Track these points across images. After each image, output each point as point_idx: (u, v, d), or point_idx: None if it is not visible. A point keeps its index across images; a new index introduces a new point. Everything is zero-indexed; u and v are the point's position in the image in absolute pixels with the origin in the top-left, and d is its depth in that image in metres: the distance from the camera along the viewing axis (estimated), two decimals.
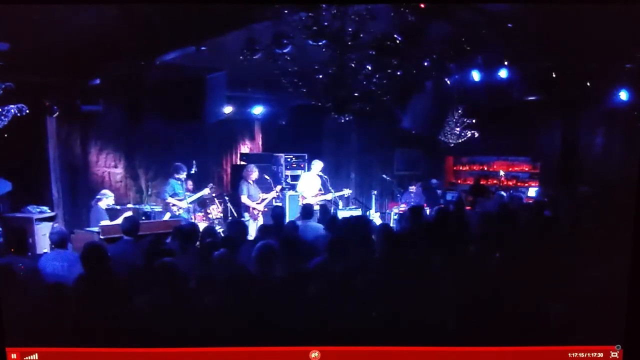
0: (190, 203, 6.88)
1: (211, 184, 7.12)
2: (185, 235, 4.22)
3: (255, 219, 6.95)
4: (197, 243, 4.30)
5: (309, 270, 3.51)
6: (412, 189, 7.93)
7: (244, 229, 4.77)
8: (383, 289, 3.33)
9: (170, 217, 6.56)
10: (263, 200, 7.06)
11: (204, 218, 7.18)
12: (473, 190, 8.13)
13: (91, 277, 3.33)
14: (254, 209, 6.97)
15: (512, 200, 6.42)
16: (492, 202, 6.52)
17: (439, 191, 8.33)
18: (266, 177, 7.37)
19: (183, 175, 6.78)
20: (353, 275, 3.40)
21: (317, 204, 6.84)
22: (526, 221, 5.05)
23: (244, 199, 6.97)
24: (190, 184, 7.15)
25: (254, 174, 7.07)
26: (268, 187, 7.33)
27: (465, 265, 3.61)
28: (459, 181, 9.95)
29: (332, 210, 7.31)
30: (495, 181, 9.31)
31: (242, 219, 6.92)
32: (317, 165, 7.33)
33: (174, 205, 6.69)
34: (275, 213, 5.20)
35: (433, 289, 3.28)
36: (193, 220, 6.82)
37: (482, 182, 8.96)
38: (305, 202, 7.18)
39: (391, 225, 7.42)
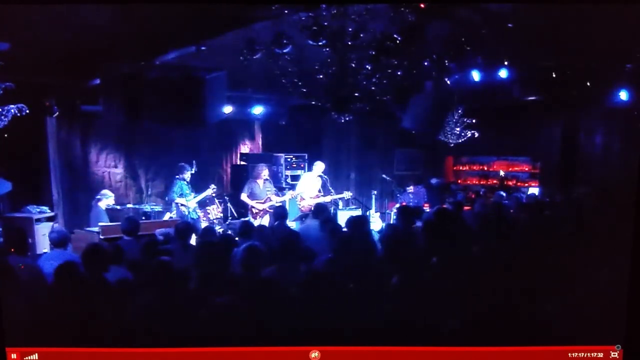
0: (196, 203, 6.91)
1: (212, 185, 7.13)
2: (182, 233, 4.25)
3: (255, 218, 6.95)
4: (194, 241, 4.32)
5: (308, 271, 3.50)
6: (410, 189, 7.94)
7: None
8: (382, 289, 3.33)
9: (177, 218, 6.55)
10: (269, 200, 7.05)
11: (204, 218, 7.19)
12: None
13: (91, 277, 3.33)
14: (252, 207, 6.97)
15: (511, 201, 6.43)
16: (491, 201, 6.53)
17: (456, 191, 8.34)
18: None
19: (188, 175, 6.80)
20: (353, 275, 3.41)
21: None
22: (525, 221, 5.05)
23: (243, 196, 6.97)
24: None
25: (264, 173, 7.08)
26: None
27: (464, 265, 3.61)
28: (459, 181, 9.96)
29: (331, 210, 7.32)
30: (495, 181, 9.32)
31: (244, 218, 6.93)
32: (319, 166, 7.31)
33: (182, 205, 6.70)
34: (277, 213, 5.20)
35: (432, 288, 3.28)
36: (201, 220, 6.86)
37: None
38: (304, 202, 7.18)
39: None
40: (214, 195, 7.47)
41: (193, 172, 7.00)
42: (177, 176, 6.78)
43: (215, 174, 8.82)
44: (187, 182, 6.80)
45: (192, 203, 6.77)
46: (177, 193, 6.73)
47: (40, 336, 3.16)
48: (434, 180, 8.36)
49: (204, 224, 6.75)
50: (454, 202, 6.01)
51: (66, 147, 6.78)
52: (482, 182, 9.59)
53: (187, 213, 6.69)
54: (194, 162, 7.03)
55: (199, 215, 6.94)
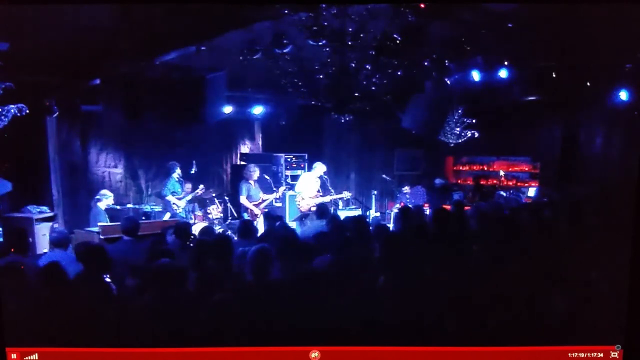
0: (187, 202, 6.93)
1: (202, 185, 7.13)
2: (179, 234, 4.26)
3: (254, 220, 6.94)
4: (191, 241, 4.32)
5: (309, 271, 3.50)
6: (406, 189, 7.94)
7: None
8: (382, 289, 3.33)
9: (171, 216, 6.59)
10: (264, 201, 7.05)
11: (204, 218, 7.19)
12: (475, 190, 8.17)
13: (89, 277, 3.33)
14: (251, 210, 6.97)
15: (510, 201, 6.43)
16: (490, 202, 6.52)
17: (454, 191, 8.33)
18: (266, 177, 7.37)
19: (177, 173, 6.84)
20: (353, 275, 3.41)
21: (314, 205, 6.85)
22: (525, 221, 5.04)
23: (243, 199, 6.97)
24: (188, 186, 7.18)
25: (255, 173, 7.08)
26: (268, 186, 7.33)
27: (464, 265, 3.61)
28: (459, 181, 9.96)
29: (331, 210, 7.32)
30: (495, 181, 9.32)
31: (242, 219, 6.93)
32: (320, 168, 7.30)
33: (174, 203, 6.73)
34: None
35: (433, 289, 3.28)
36: (193, 220, 6.87)
37: (482, 182, 9.00)
38: (303, 203, 7.18)
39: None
40: (214, 195, 7.48)
41: (193, 171, 7.02)
42: (171, 174, 6.85)
43: (215, 174, 8.82)
44: (177, 180, 6.84)
45: (182, 202, 6.83)
46: (170, 190, 6.77)
47: (40, 336, 3.16)
48: (437, 181, 8.35)
49: (199, 225, 6.74)
50: (455, 202, 6.01)
51: (66, 147, 6.78)
52: (482, 182, 9.58)
53: (179, 211, 6.72)
54: (194, 162, 7.04)
55: (190, 215, 6.96)
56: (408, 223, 4.68)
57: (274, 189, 7.32)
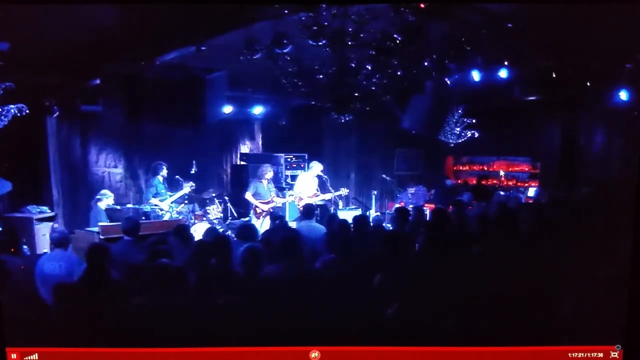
0: (172, 203, 6.83)
1: (191, 182, 7.02)
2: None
3: (259, 218, 6.95)
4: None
5: (309, 271, 3.51)
6: (412, 190, 7.93)
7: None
8: (382, 289, 3.33)
9: (154, 218, 6.50)
10: (273, 201, 7.05)
11: (204, 218, 7.18)
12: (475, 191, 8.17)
13: (93, 277, 3.33)
14: (256, 207, 6.97)
15: (510, 201, 6.43)
16: (491, 202, 6.52)
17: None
18: None
19: (163, 174, 6.78)
20: (352, 275, 3.41)
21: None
22: (525, 221, 5.05)
23: (248, 195, 6.97)
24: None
25: (268, 173, 7.09)
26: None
27: (464, 265, 3.61)
28: (459, 181, 9.96)
29: (331, 210, 7.33)
30: (495, 181, 9.32)
31: (244, 219, 6.93)
32: (316, 167, 7.31)
33: (155, 205, 6.65)
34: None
35: (433, 289, 3.28)
36: (192, 220, 6.85)
37: (483, 182, 9.01)
38: (302, 203, 7.18)
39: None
40: (214, 195, 7.47)
41: (193, 172, 7.00)
42: (156, 176, 6.78)
43: (214, 174, 8.82)
44: (161, 181, 6.78)
45: (165, 204, 6.71)
46: (152, 193, 6.70)
47: (40, 336, 3.16)
48: (448, 182, 8.36)
49: (199, 225, 6.69)
50: (455, 201, 6.00)
51: (66, 147, 6.78)
52: (482, 182, 9.58)
53: (160, 213, 6.63)
54: (193, 162, 7.03)
55: (190, 216, 6.92)
56: (407, 223, 4.68)
57: (273, 189, 7.33)
